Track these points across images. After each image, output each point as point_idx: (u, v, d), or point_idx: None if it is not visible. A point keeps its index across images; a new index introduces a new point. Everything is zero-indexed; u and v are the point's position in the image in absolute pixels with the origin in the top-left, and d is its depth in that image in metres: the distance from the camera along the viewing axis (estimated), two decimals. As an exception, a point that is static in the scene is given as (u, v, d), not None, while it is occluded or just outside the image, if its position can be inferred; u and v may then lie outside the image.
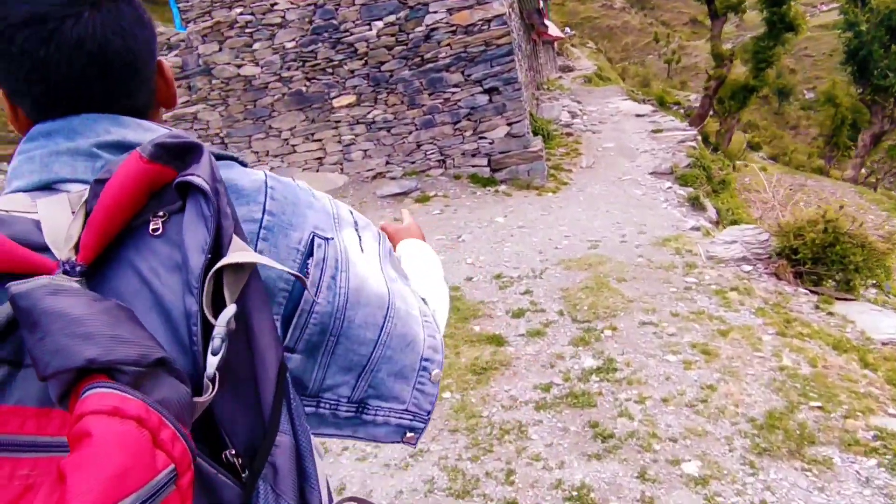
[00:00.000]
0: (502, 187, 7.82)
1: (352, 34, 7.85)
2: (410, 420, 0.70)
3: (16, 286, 0.43)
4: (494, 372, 3.52)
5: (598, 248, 5.23)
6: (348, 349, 0.65)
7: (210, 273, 0.48)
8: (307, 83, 8.16)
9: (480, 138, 7.98)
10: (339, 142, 8.32)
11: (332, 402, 0.66)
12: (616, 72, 35.03)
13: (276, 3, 7.94)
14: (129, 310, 0.46)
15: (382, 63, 7.90)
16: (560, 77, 25.09)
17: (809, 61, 48.55)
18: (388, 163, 8.28)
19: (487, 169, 8.05)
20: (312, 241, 0.63)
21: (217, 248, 0.50)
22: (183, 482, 0.40)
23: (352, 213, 0.73)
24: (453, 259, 5.29)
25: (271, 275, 0.59)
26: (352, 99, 8.10)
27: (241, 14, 8.03)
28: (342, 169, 8.40)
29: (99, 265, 0.50)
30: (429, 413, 0.71)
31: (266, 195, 0.62)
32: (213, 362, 0.46)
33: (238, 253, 0.50)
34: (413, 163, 8.22)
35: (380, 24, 7.73)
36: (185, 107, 8.47)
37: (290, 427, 0.54)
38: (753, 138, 29.91)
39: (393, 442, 0.72)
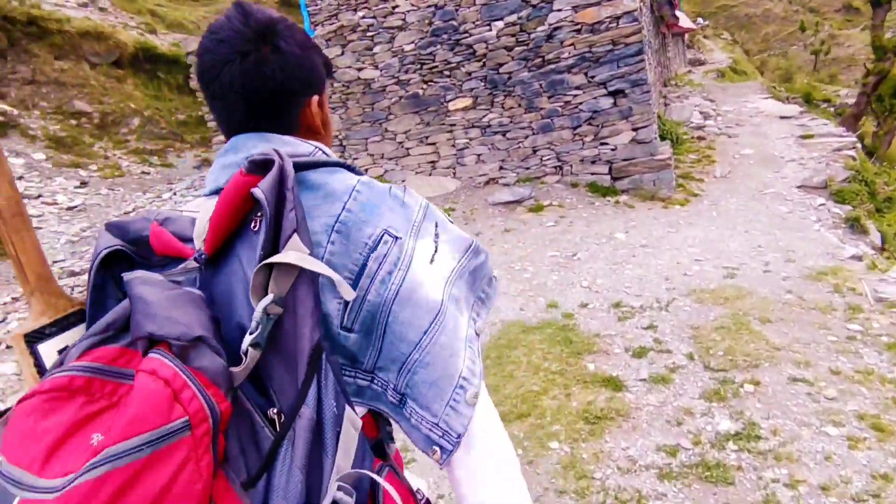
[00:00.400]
0: (623, 198, 7.25)
1: (471, 35, 7.62)
2: (439, 437, 0.70)
3: (126, 275, 0.67)
4: (610, 423, 3.13)
5: (736, 278, 4.60)
6: (392, 342, 0.70)
7: (256, 268, 0.62)
8: (424, 86, 8.07)
9: (602, 144, 7.45)
10: (453, 145, 8.15)
11: (384, 383, 0.72)
12: (754, 65, 32.20)
13: (397, 6, 7.91)
14: (194, 296, 0.65)
15: (501, 65, 7.61)
16: (689, 71, 23.47)
17: None
18: (501, 168, 7.99)
19: (608, 177, 7.51)
20: (381, 237, 0.71)
21: (275, 246, 0.64)
22: (197, 431, 0.55)
23: (437, 225, 0.77)
24: (566, 280, 4.91)
25: (337, 263, 0.70)
26: (468, 102, 7.89)
27: (363, 17, 8.09)
28: (454, 173, 8.24)
29: (219, 255, 0.69)
30: (459, 436, 0.70)
31: (350, 196, 0.73)
32: (246, 339, 0.61)
33: (279, 255, 0.62)
34: (528, 169, 7.86)
35: (500, 24, 7.44)
36: (307, 109, 8.72)
37: (315, 400, 0.63)
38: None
39: (422, 451, 0.72)
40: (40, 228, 9.42)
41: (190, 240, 0.74)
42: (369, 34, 8.11)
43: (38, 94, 13.51)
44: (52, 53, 13.82)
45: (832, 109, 18.92)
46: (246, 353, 0.61)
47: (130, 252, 0.75)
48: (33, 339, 0.79)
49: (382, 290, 0.70)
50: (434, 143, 8.27)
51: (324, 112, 0.88)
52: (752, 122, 10.74)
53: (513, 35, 7.44)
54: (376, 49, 8.13)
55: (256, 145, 0.78)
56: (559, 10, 7.15)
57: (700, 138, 9.67)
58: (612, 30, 7.01)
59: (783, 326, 3.77)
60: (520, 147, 7.83)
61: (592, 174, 7.57)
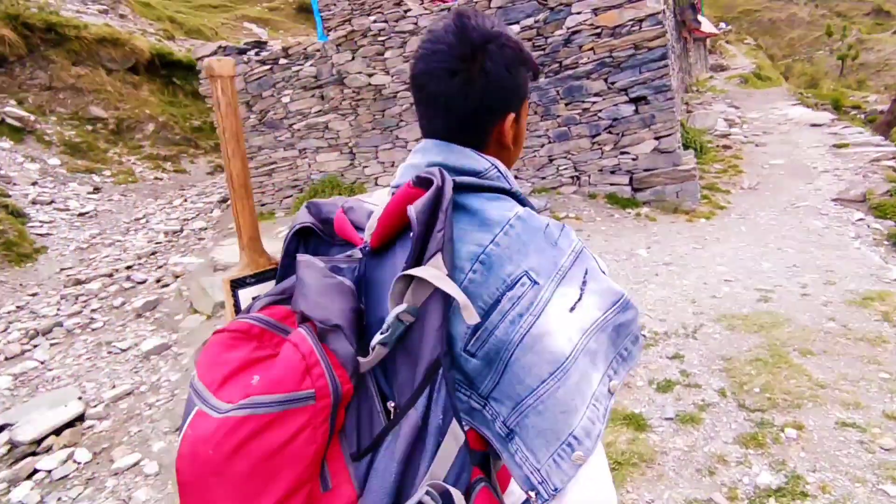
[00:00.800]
0: (645, 210, 6.87)
1: (485, 40, 7.31)
2: (538, 482, 0.71)
3: (299, 256, 0.80)
4: (632, 469, 2.77)
5: (771, 302, 4.20)
6: (510, 381, 0.72)
7: (397, 277, 0.69)
8: (436, 92, 7.77)
9: (622, 153, 7.08)
10: (466, 154, 7.84)
11: (494, 412, 0.73)
12: (778, 70, 31.50)
13: (409, 10, 7.64)
14: (345, 287, 0.75)
15: (516, 70, 7.28)
16: (711, 77, 22.99)
17: None
18: (516, 177, 7.65)
19: (628, 188, 7.13)
20: (520, 278, 0.72)
21: (417, 261, 0.71)
22: (319, 404, 0.65)
23: (587, 273, 0.75)
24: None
25: (474, 291, 0.72)
26: (482, 109, 7.57)
27: (374, 22, 7.84)
28: (468, 182, 7.92)
29: (382, 249, 0.79)
30: (556, 489, 0.70)
31: (502, 230, 0.75)
32: (376, 338, 0.69)
33: (418, 269, 0.69)
34: (544, 178, 7.52)
35: (516, 27, 7.12)
36: (317, 116, 8.48)
37: (423, 408, 0.69)
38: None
39: (520, 486, 0.73)
40: (51, 235, 9.33)
41: (364, 229, 0.82)
42: (380, 39, 7.85)
43: (55, 99, 13.53)
44: (70, 59, 13.84)
45: (862, 116, 18.26)
46: (373, 349, 0.69)
47: (318, 230, 0.88)
48: (236, 285, 0.94)
49: (510, 330, 0.71)
50: (447, 152, 7.96)
51: (518, 126, 0.89)
52: (781, 130, 10.28)
53: (529, 39, 7.11)
54: (388, 54, 7.87)
55: (439, 153, 0.84)
56: (578, 14, 6.82)
57: (726, 147, 9.25)
58: (634, 33, 6.65)
59: (827, 360, 3.37)
60: (535, 156, 7.49)
61: (612, 185, 7.20)
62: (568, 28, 6.89)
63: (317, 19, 12.37)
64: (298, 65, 8.35)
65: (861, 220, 5.88)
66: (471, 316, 0.67)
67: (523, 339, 0.70)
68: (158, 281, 7.66)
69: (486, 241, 0.74)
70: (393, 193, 0.85)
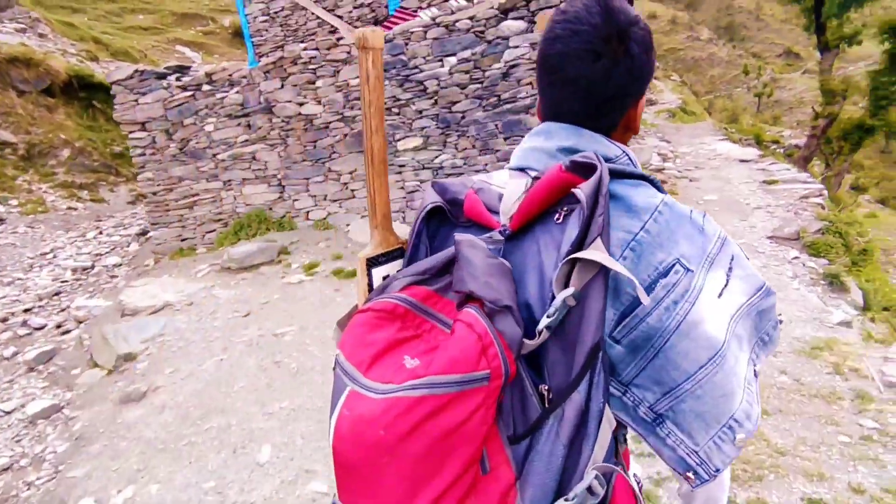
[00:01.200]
0: (586, 247, 6.71)
1: (422, 71, 7.06)
2: (696, 464, 0.72)
3: (457, 235, 0.76)
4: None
5: (719, 351, 4.01)
6: (663, 366, 0.72)
7: (564, 260, 0.68)
8: (371, 123, 7.42)
9: (562, 189, 6.92)
10: (403, 188, 7.50)
11: (637, 399, 0.74)
12: (702, 105, 33.20)
13: (342, 38, 7.30)
14: (507, 268, 0.73)
15: (454, 103, 7.05)
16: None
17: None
18: (455, 213, 7.35)
19: (569, 224, 6.96)
20: (673, 266, 0.72)
21: (580, 244, 0.68)
22: (492, 385, 0.64)
23: (733, 259, 0.77)
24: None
25: (623, 278, 0.70)
26: (418, 142, 7.27)
27: (305, 49, 7.45)
28: (404, 218, 7.56)
29: (520, 233, 0.78)
30: (718, 470, 0.72)
31: (651, 217, 0.74)
32: (543, 321, 0.68)
33: (586, 251, 0.67)
34: (483, 214, 7.25)
35: (453, 59, 6.90)
36: (243, 146, 7.94)
37: (586, 391, 0.69)
38: (858, 180, 27.00)
39: (673, 469, 0.75)
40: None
41: (494, 212, 0.81)
42: (311, 67, 7.45)
43: (-45, 123, 12.36)
44: (-26, 80, 12.73)
45: (781, 151, 19.26)
46: (540, 333, 0.69)
47: (447, 210, 0.87)
48: (370, 264, 0.92)
49: (665, 317, 0.71)
50: (382, 185, 7.58)
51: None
52: (712, 165, 10.52)
53: (466, 72, 6.90)
54: (319, 83, 7.47)
55: (569, 138, 0.84)
56: (516, 47, 6.67)
57: (662, 182, 9.33)
58: (572, 69, 6.54)
59: (784, 421, 3.16)
60: (475, 191, 7.22)
61: (553, 221, 7.01)
62: (506, 62, 6.72)
63: (248, 45, 11.89)
64: (223, 91, 7.82)
65: (796, 258, 5.89)
66: (643, 296, 0.67)
67: (679, 325, 0.71)
68: (59, 327, 6.86)
69: (635, 227, 0.74)
70: (513, 176, 0.86)
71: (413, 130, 7.27)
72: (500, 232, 0.78)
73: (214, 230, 8.29)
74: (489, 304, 0.67)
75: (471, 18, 6.74)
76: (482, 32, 6.78)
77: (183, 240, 8.47)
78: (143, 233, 9.78)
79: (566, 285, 0.67)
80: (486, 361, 0.64)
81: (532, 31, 6.58)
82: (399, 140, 7.34)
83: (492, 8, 6.67)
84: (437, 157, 7.27)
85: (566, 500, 0.66)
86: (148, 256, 8.85)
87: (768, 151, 15.45)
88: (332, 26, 10.61)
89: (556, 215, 0.74)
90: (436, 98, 7.09)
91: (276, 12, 10.92)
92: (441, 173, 7.29)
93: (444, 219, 0.88)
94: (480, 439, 0.64)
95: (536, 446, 0.68)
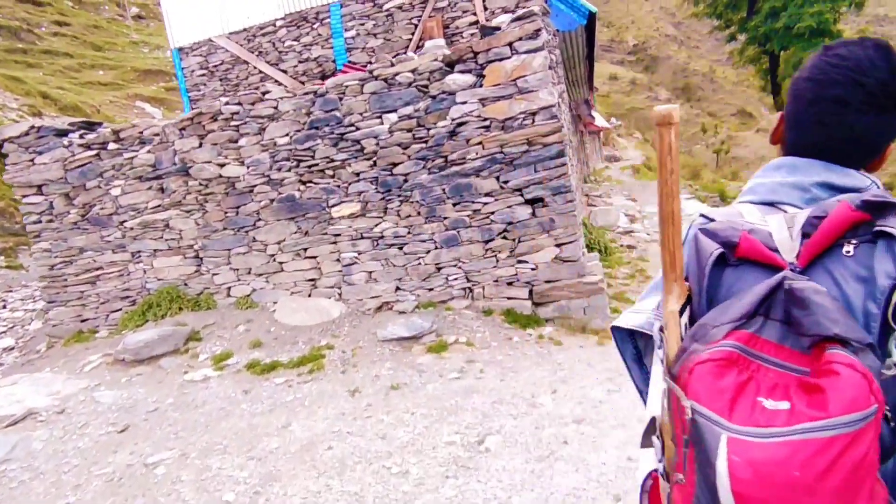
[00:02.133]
0: (549, 330, 5.76)
1: (358, 129, 6.20)
2: None
3: (794, 282, 0.76)
4: None
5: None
6: None
7: (894, 292, 0.73)
8: (301, 187, 6.48)
9: (519, 262, 6.03)
10: (338, 260, 6.50)
11: None
12: (665, 162, 33.52)
13: (268, 92, 6.43)
14: (842, 306, 0.75)
15: (395, 164, 6.18)
16: (607, 167, 23.72)
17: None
18: (398, 289, 6.36)
19: (528, 302, 6.03)
20: None
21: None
22: (877, 417, 0.66)
23: None
24: (466, 500, 3.16)
25: None
26: (355, 208, 6.34)
27: (227, 104, 6.54)
28: (340, 294, 6.53)
29: (807, 268, 0.81)
30: None
31: None
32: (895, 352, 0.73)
33: None
34: (431, 290, 6.28)
35: (393, 116, 6.08)
36: (155, 212, 6.89)
37: None
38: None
39: None
40: None
41: (772, 249, 0.84)
42: (234, 124, 6.53)
43: None
44: None
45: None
46: (891, 367, 0.73)
47: (726, 254, 0.88)
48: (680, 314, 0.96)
49: None
50: (314, 257, 6.58)
51: None
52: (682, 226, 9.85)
53: (409, 130, 6.07)
54: (242, 141, 6.53)
55: (820, 173, 0.89)
56: (463, 103, 5.89)
57: (630, 247, 8.56)
58: (526, 127, 5.77)
59: None
60: (420, 263, 6.27)
61: (509, 298, 6.08)
62: (453, 119, 5.92)
63: (184, 99, 10.99)
64: (133, 151, 6.82)
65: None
66: None
67: None
68: None
69: None
70: (765, 212, 0.92)
71: (349, 195, 6.35)
72: (791, 269, 0.82)
73: (120, 309, 7.10)
74: (856, 344, 0.70)
75: (412, 71, 5.96)
76: (426, 87, 5.99)
77: (83, 320, 7.25)
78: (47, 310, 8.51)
79: None
80: (873, 397, 0.67)
81: (481, 86, 5.83)
82: (333, 206, 6.40)
83: (436, 60, 5.91)
84: (377, 224, 6.33)
85: None
86: (42, 340, 7.57)
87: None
88: (277, 81, 9.83)
89: (844, 248, 0.79)
90: (374, 159, 6.21)
91: (214, 66, 10.11)
92: (382, 244, 6.34)
93: (724, 262, 0.90)
94: (876, 468, 0.68)
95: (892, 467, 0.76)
